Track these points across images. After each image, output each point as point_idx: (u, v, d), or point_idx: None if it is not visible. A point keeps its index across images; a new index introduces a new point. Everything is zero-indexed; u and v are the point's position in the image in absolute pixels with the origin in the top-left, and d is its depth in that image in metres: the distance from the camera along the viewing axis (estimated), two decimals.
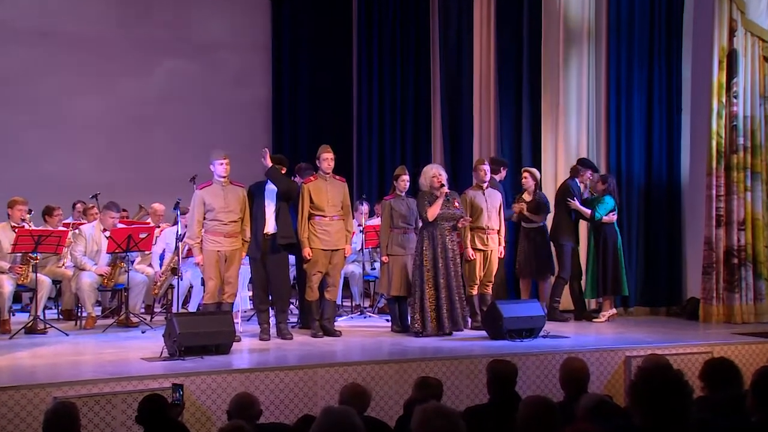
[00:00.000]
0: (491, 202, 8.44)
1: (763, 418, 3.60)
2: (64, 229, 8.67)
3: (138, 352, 6.81)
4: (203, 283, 7.90)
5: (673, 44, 9.69)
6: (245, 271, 8.20)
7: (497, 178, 8.94)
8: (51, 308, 9.24)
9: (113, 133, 12.27)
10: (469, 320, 8.32)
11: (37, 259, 8.02)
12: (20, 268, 8.03)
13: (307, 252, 7.76)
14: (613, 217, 8.78)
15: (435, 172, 7.82)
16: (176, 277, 8.38)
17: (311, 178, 7.96)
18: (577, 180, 9.07)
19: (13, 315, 8.41)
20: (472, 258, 8.33)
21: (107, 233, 8.31)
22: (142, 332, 8.08)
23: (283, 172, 7.81)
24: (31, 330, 7.87)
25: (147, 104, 12.50)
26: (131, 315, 8.41)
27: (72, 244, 8.50)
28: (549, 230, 9.11)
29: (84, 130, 12.16)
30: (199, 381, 5.85)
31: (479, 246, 8.37)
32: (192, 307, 8.83)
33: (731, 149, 8.77)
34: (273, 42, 13.25)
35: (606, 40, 9.71)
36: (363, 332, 8.33)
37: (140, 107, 12.44)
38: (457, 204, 7.85)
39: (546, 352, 6.91)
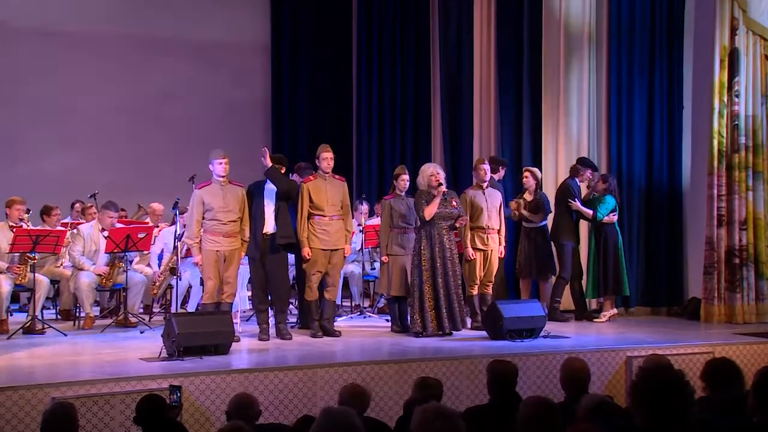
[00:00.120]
0: (491, 202, 8.42)
1: (764, 419, 3.59)
2: (62, 228, 8.66)
3: (136, 353, 6.79)
4: (202, 283, 7.88)
5: (674, 43, 9.68)
6: (244, 271, 8.18)
7: (496, 177, 8.92)
8: (49, 308, 9.23)
9: (112, 132, 12.25)
10: (469, 320, 8.29)
11: (35, 259, 8.00)
12: (18, 268, 8.01)
13: (306, 252, 7.74)
14: (613, 218, 8.76)
15: (433, 171, 7.79)
16: (175, 277, 8.36)
17: (311, 177, 7.94)
18: (577, 179, 9.05)
19: (11, 315, 8.39)
20: (472, 258, 8.30)
21: (105, 233, 8.29)
22: (141, 332, 8.05)
23: (283, 171, 7.79)
24: (29, 330, 7.85)
25: (146, 104, 12.49)
26: (130, 315, 8.39)
27: (70, 244, 8.48)
28: (550, 229, 9.08)
29: (83, 129, 12.15)
30: (198, 381, 5.83)
31: (479, 246, 8.34)
32: (191, 307, 8.83)
33: (733, 148, 8.75)
34: (272, 41, 13.23)
35: (607, 40, 9.69)
36: (363, 332, 8.31)
37: (139, 107, 12.43)
38: (454, 203, 7.82)
39: (546, 352, 6.89)
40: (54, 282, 8.81)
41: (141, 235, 8.30)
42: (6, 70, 11.81)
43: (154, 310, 9.41)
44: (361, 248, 9.43)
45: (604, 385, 6.84)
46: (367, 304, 10.05)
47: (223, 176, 7.57)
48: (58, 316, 9.11)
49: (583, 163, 9.11)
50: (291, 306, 8.69)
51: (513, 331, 7.46)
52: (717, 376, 4.37)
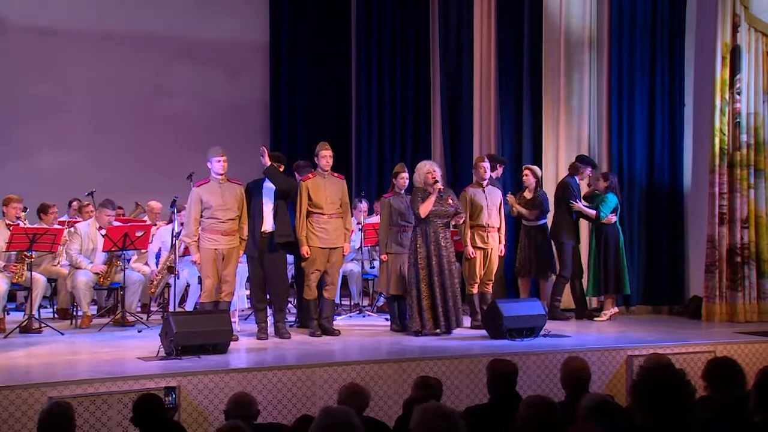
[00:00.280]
0: (491, 200, 8.38)
1: (766, 419, 3.58)
2: (60, 227, 8.62)
3: (134, 352, 6.76)
4: (200, 282, 7.85)
5: (675, 40, 9.66)
6: (243, 269, 8.15)
7: (494, 176, 8.88)
8: (46, 307, 9.21)
9: (110, 130, 12.22)
10: (469, 319, 8.27)
11: (32, 258, 7.96)
12: (15, 266, 7.98)
13: (305, 250, 7.71)
14: (612, 219, 8.71)
15: (429, 169, 7.76)
16: (173, 275, 8.33)
17: (309, 175, 7.91)
18: (576, 177, 9.01)
19: (8, 314, 8.38)
20: (472, 256, 8.27)
21: (103, 231, 8.26)
22: (139, 331, 8.03)
23: (282, 170, 7.75)
24: (26, 329, 7.83)
25: (144, 101, 12.47)
26: (127, 314, 8.36)
27: (67, 243, 8.46)
28: (550, 228, 9.06)
29: (80, 127, 12.12)
30: (196, 381, 5.81)
31: (479, 244, 8.31)
32: (189, 306, 8.80)
33: (734, 146, 8.75)
34: (271, 39, 13.20)
35: (608, 37, 9.67)
36: (362, 331, 8.28)
37: (137, 104, 12.41)
38: (450, 201, 7.78)
39: (547, 351, 6.87)
40: (51, 281, 8.79)
41: (139, 234, 8.28)
42: (2, 67, 11.78)
43: (151, 308, 9.38)
44: (361, 247, 9.40)
45: (605, 384, 6.82)
46: (366, 302, 10.03)
47: (221, 174, 7.54)
48: (56, 315, 9.08)
49: (583, 160, 9.08)
50: (290, 305, 8.67)
51: (513, 330, 7.43)
52: (718, 375, 4.35)
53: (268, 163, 7.62)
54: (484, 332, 7.71)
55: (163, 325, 6.72)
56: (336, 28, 13.22)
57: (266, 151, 7.73)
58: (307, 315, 7.94)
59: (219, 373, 5.93)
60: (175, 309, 8.36)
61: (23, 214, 8.32)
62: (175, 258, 8.26)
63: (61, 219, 9.51)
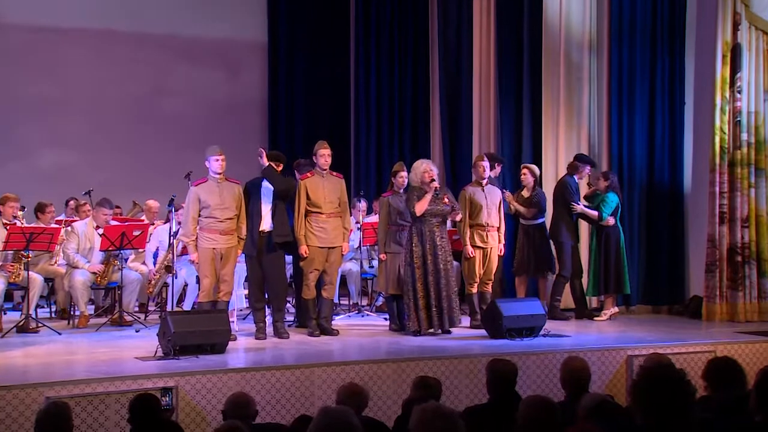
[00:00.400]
0: (491, 199, 8.36)
1: (766, 419, 3.57)
2: (57, 226, 8.59)
3: (132, 352, 6.74)
4: (198, 281, 7.82)
5: (675, 39, 9.64)
6: (241, 269, 8.14)
7: (492, 175, 8.84)
8: (43, 307, 9.18)
9: (107, 129, 12.19)
10: (467, 318, 8.25)
11: (29, 257, 7.93)
12: (12, 266, 7.95)
13: (303, 249, 7.69)
14: (611, 222, 8.68)
15: (426, 168, 7.73)
16: (171, 275, 8.31)
17: (308, 174, 7.88)
18: (575, 176, 8.98)
19: (5, 314, 8.37)
20: (472, 255, 8.24)
21: (100, 230, 8.23)
22: (136, 331, 8.00)
23: (281, 168, 7.73)
24: (23, 329, 7.82)
25: (142, 100, 12.44)
26: (125, 313, 8.33)
27: (64, 242, 8.43)
28: (549, 228, 9.04)
29: (77, 126, 12.09)
30: (194, 381, 5.80)
31: (479, 243, 8.28)
32: (187, 306, 8.77)
33: (735, 145, 8.74)
34: (269, 38, 13.16)
35: (608, 36, 9.64)
36: (361, 331, 8.27)
37: (135, 103, 12.38)
38: (446, 200, 7.75)
39: (546, 351, 6.86)
40: (48, 280, 8.76)
41: (136, 233, 8.26)
42: (0, 67, 11.72)
43: (149, 308, 9.38)
44: (359, 246, 9.38)
45: (605, 384, 6.80)
46: (365, 302, 10.00)
47: (219, 173, 7.52)
48: (53, 315, 9.05)
49: (581, 159, 9.06)
50: (288, 304, 8.64)
51: (513, 330, 7.41)
52: (719, 375, 4.34)
53: (267, 163, 7.60)
54: (483, 332, 7.69)
55: (160, 324, 6.69)
56: (335, 27, 13.18)
57: (264, 152, 7.70)
58: (306, 315, 7.91)
59: (217, 373, 5.91)
60: (172, 309, 8.36)
61: (20, 213, 8.31)
62: (173, 257, 8.24)
63: (58, 218, 9.48)
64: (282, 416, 5.89)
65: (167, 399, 5.03)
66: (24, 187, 9.25)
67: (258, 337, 7.51)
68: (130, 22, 12.36)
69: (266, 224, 7.60)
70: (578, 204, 8.83)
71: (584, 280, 9.02)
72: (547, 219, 9.09)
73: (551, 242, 9.02)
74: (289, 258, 8.16)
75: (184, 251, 8.23)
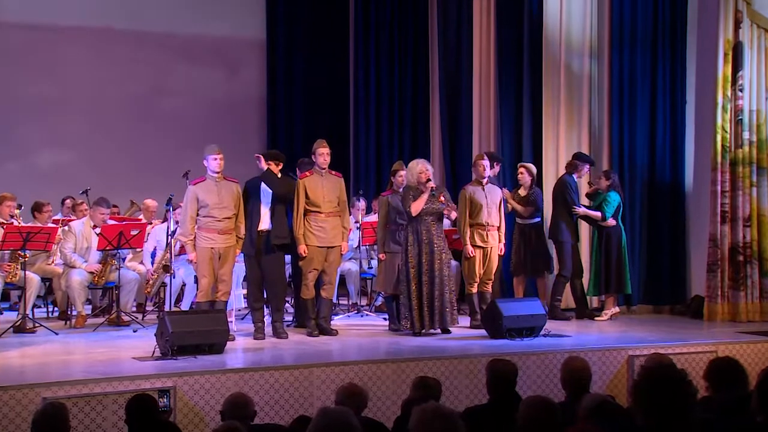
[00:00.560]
0: (491, 198, 8.32)
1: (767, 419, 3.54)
2: (54, 225, 8.57)
3: (129, 352, 6.73)
4: (196, 281, 7.80)
5: (677, 37, 9.63)
6: (239, 268, 8.13)
7: (491, 174, 8.81)
8: (40, 307, 9.15)
9: (104, 128, 12.16)
10: (466, 318, 8.23)
11: (26, 257, 7.90)
12: (8, 266, 7.95)
13: (302, 249, 7.65)
14: (611, 223, 8.65)
15: (422, 168, 7.71)
16: (168, 274, 8.28)
17: (307, 173, 7.85)
18: (574, 175, 8.95)
19: (1, 314, 8.37)
20: (472, 255, 8.21)
21: (97, 230, 8.21)
22: (134, 331, 7.99)
23: (281, 167, 7.69)
24: (19, 329, 7.79)
25: (139, 99, 12.42)
26: (122, 313, 8.31)
27: (61, 241, 8.40)
28: (548, 227, 9.03)
29: (74, 124, 12.07)
30: (192, 381, 5.79)
31: (479, 243, 8.25)
32: (185, 306, 8.74)
33: (736, 144, 8.73)
34: (268, 37, 13.13)
35: (609, 33, 9.62)
36: (360, 331, 8.24)
37: (132, 102, 12.36)
38: (442, 198, 7.73)
39: (547, 351, 6.85)
40: (45, 280, 8.73)
41: (134, 232, 8.24)
42: None
43: (147, 308, 9.36)
44: (359, 245, 9.35)
45: (606, 384, 6.80)
46: (364, 302, 9.98)
47: (218, 172, 7.49)
48: (50, 315, 9.02)
49: (580, 157, 9.03)
50: (287, 304, 8.62)
51: (513, 330, 7.39)
52: (720, 375, 4.33)
53: (265, 167, 7.57)
54: (483, 332, 7.67)
55: (158, 324, 6.68)
56: (334, 26, 13.15)
57: (261, 157, 7.66)
58: (305, 314, 7.89)
59: (215, 374, 5.90)
60: (170, 308, 8.34)
61: (17, 212, 8.28)
62: (171, 257, 8.21)
63: (55, 217, 9.45)
64: (281, 417, 5.88)
65: (165, 400, 5.02)
66: (21, 187, 9.24)
67: (256, 337, 7.49)
68: (129, 21, 12.33)
69: (265, 224, 7.58)
70: (580, 207, 8.79)
71: (585, 279, 9.00)
72: (546, 218, 9.06)
73: (551, 242, 8.99)
74: (288, 257, 8.13)
75: (182, 251, 8.20)
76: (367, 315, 9.30)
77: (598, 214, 8.69)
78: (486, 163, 8.43)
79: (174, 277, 8.37)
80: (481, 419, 4.36)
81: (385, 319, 8.51)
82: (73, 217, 9.41)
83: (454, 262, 8.93)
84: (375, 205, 9.74)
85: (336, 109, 13.03)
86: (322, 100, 13.04)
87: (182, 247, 8.11)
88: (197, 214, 7.44)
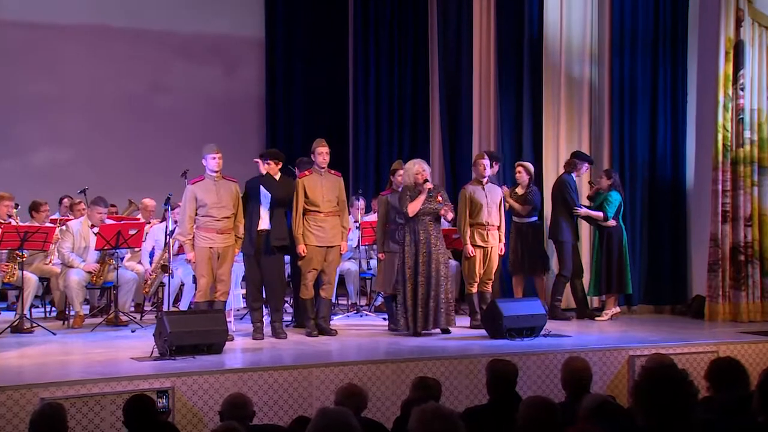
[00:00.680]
0: (491, 198, 8.30)
1: None
2: (51, 225, 8.54)
3: (128, 352, 6.72)
4: (195, 281, 7.78)
5: (678, 35, 9.62)
6: (238, 268, 8.12)
7: (490, 173, 8.78)
8: (38, 307, 9.13)
9: (103, 126, 12.16)
10: (466, 318, 8.22)
11: (23, 257, 7.88)
12: (6, 265, 7.93)
13: (301, 249, 7.63)
14: (612, 224, 8.63)
15: (418, 169, 7.68)
16: (167, 274, 8.25)
17: (306, 172, 7.82)
18: (573, 174, 8.93)
19: None
20: (472, 255, 8.18)
21: (95, 229, 8.18)
22: (132, 331, 7.97)
23: (280, 166, 7.67)
24: (17, 329, 7.77)
25: (138, 98, 12.40)
26: (120, 313, 8.29)
27: (59, 241, 8.37)
28: (549, 227, 9.01)
29: (72, 123, 12.06)
30: (191, 381, 5.78)
31: (479, 242, 8.23)
32: (183, 306, 8.72)
33: (738, 143, 8.72)
34: (267, 35, 13.12)
35: (609, 32, 9.61)
36: (359, 331, 8.23)
37: (131, 101, 12.34)
38: (440, 198, 7.70)
39: (547, 351, 6.84)
40: (43, 280, 8.71)
41: (132, 232, 8.22)
42: None
43: (145, 308, 9.33)
44: (358, 245, 9.32)
45: (606, 384, 6.79)
46: (364, 302, 9.97)
47: (216, 171, 7.48)
48: (48, 315, 8.98)
49: (579, 156, 9.01)
50: (286, 304, 8.59)
51: (513, 330, 7.38)
52: (721, 375, 4.33)
53: (264, 171, 7.55)
54: (483, 332, 7.65)
55: (157, 324, 6.66)
56: (333, 24, 13.14)
57: (260, 161, 7.63)
58: (304, 314, 7.87)
59: (214, 374, 5.89)
60: (169, 308, 8.33)
61: (14, 211, 8.26)
62: (169, 257, 8.18)
63: (53, 217, 9.43)
64: (280, 417, 5.87)
65: (164, 401, 5.01)
66: (19, 186, 9.22)
67: (255, 338, 7.47)
68: (127, 19, 12.32)
69: (264, 223, 7.55)
70: (581, 208, 8.77)
71: (586, 279, 8.99)
72: (546, 218, 9.04)
73: (551, 241, 8.98)
74: (287, 257, 8.11)
75: (181, 250, 8.18)
76: (366, 315, 9.28)
77: (600, 214, 8.67)
78: (486, 162, 8.41)
79: (172, 277, 8.33)
80: (481, 419, 4.35)
81: (384, 319, 8.48)
82: (70, 217, 9.40)
83: (453, 262, 8.94)
84: (374, 205, 9.72)
85: (335, 108, 13.02)
86: (321, 99, 13.04)
87: (181, 247, 8.09)
88: (196, 214, 7.42)
